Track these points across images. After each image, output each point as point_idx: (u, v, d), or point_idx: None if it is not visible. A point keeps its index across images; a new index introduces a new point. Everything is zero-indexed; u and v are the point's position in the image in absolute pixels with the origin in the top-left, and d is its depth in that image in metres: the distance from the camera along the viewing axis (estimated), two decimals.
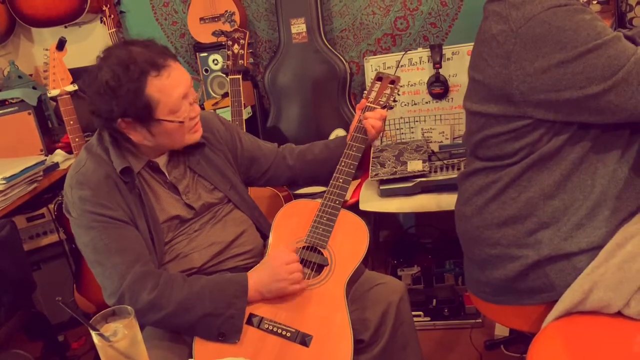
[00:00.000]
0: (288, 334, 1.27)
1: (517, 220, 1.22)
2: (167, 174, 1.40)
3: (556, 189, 1.18)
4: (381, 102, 1.54)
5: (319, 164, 1.57)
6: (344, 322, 1.28)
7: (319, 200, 1.46)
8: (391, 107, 1.55)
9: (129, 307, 0.93)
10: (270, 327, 1.28)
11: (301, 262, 1.38)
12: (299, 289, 1.31)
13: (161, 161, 1.40)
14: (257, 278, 1.30)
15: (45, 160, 2.25)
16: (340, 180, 1.46)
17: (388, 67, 2.26)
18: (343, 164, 1.47)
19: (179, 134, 1.32)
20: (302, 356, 1.25)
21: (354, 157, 1.48)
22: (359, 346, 1.37)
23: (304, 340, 1.26)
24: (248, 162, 1.57)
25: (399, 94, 1.58)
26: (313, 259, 1.39)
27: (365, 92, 1.59)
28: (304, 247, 1.41)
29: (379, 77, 1.56)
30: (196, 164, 1.44)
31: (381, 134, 1.55)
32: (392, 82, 1.55)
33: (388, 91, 1.55)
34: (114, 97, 1.22)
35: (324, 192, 1.47)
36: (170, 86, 1.25)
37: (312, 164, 1.57)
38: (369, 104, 1.53)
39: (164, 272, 1.28)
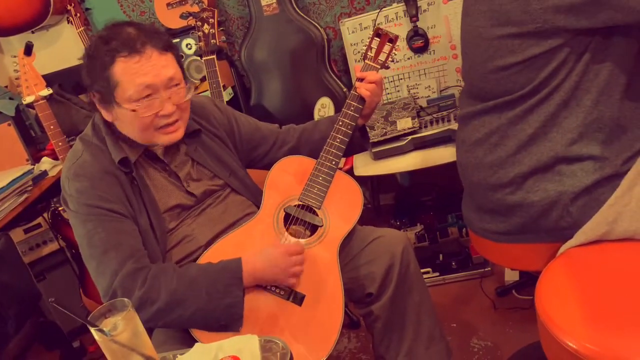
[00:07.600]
0: (282, 292, 1.28)
1: (534, 156, 1.19)
2: (167, 162, 1.37)
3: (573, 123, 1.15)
4: (380, 61, 1.48)
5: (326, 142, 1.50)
6: (336, 283, 1.29)
7: (314, 160, 1.43)
8: (387, 67, 1.50)
9: (125, 299, 0.91)
10: (265, 285, 1.28)
11: (296, 221, 1.38)
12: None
13: (158, 150, 1.36)
14: (252, 265, 1.24)
15: (33, 169, 2.22)
16: (338, 140, 1.42)
17: (365, 28, 2.21)
18: (341, 123, 1.43)
19: (140, 126, 1.26)
20: (295, 314, 1.26)
21: (352, 117, 1.43)
22: (368, 299, 1.39)
23: (297, 299, 1.28)
24: (248, 146, 1.53)
25: (395, 54, 1.51)
26: (308, 219, 1.38)
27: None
28: (298, 206, 1.39)
29: (378, 34, 1.49)
30: (194, 152, 1.40)
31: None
32: (391, 40, 1.48)
33: (387, 50, 1.48)
34: (88, 67, 1.26)
35: None
36: (134, 71, 1.21)
37: (320, 142, 1.51)
38: (367, 62, 1.48)
39: (153, 265, 1.23)
